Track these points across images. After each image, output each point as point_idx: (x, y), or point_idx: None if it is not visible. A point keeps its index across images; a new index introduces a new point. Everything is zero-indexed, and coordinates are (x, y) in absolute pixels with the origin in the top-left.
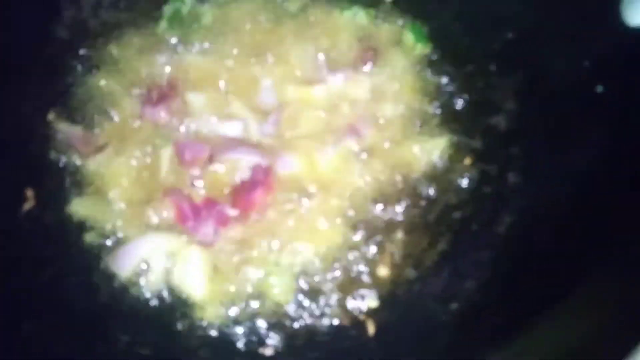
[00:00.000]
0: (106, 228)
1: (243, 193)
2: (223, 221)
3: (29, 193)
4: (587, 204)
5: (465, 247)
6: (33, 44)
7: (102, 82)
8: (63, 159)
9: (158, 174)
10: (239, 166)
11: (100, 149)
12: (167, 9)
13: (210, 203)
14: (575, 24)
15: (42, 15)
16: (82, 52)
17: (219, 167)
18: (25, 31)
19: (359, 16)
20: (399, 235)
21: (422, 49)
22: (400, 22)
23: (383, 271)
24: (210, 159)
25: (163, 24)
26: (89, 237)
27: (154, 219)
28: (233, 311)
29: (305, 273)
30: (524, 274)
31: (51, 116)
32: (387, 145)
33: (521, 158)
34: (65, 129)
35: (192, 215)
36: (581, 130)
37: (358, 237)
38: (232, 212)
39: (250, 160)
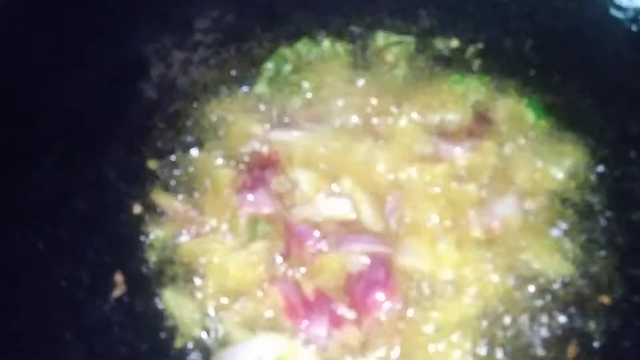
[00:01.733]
0: (204, 324)
1: (360, 292)
2: (337, 322)
3: (119, 278)
4: None
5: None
6: (120, 104)
7: (195, 152)
8: (156, 242)
9: (261, 261)
10: (351, 256)
11: (198, 230)
12: (268, 68)
13: (323, 298)
14: None
15: (129, 73)
16: (170, 112)
17: (328, 256)
18: (112, 90)
19: (472, 87)
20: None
21: (543, 125)
22: (517, 94)
23: None
24: (321, 246)
25: (262, 85)
26: (185, 334)
27: (259, 315)
28: None
29: None
30: None
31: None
32: (518, 237)
33: None
34: (164, 202)
35: (304, 311)
36: None
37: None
38: (348, 313)
39: (365, 250)
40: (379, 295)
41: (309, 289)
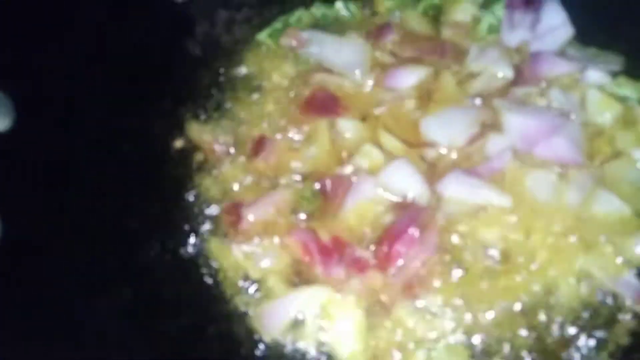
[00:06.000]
0: (247, 274)
1: (385, 238)
2: (359, 267)
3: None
4: None
5: None
6: (165, 62)
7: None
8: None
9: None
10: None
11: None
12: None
13: (339, 243)
14: None
15: (174, 31)
16: (214, 69)
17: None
18: (157, 48)
19: None
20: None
21: None
22: None
23: None
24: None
25: (263, 34)
26: (228, 283)
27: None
28: None
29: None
30: None
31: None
32: None
33: None
34: (196, 130)
35: (320, 256)
36: None
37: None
38: (365, 254)
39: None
40: (404, 244)
41: (325, 236)
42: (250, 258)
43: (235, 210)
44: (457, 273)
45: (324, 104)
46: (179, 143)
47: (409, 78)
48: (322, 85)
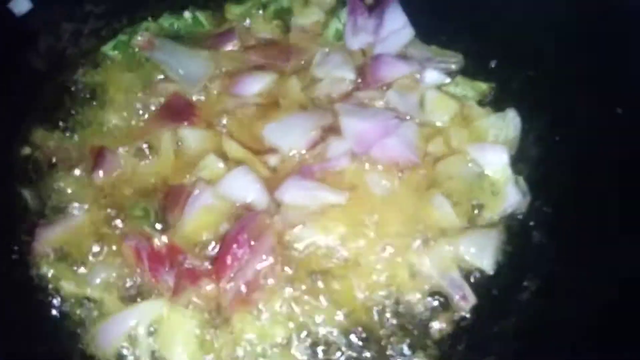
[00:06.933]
0: (80, 296)
1: (221, 248)
2: (193, 278)
3: None
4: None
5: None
6: (4, 76)
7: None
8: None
9: None
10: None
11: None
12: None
13: (174, 251)
14: None
15: (14, 45)
16: (59, 81)
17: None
18: None
19: None
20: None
21: None
22: None
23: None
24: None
25: (108, 47)
26: (60, 302)
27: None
28: None
29: None
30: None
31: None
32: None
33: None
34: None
35: (150, 261)
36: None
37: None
38: (196, 263)
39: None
40: (236, 251)
41: (160, 242)
42: (81, 280)
43: (30, 230)
44: (295, 277)
45: (178, 111)
46: (26, 150)
47: (254, 85)
48: (176, 94)
